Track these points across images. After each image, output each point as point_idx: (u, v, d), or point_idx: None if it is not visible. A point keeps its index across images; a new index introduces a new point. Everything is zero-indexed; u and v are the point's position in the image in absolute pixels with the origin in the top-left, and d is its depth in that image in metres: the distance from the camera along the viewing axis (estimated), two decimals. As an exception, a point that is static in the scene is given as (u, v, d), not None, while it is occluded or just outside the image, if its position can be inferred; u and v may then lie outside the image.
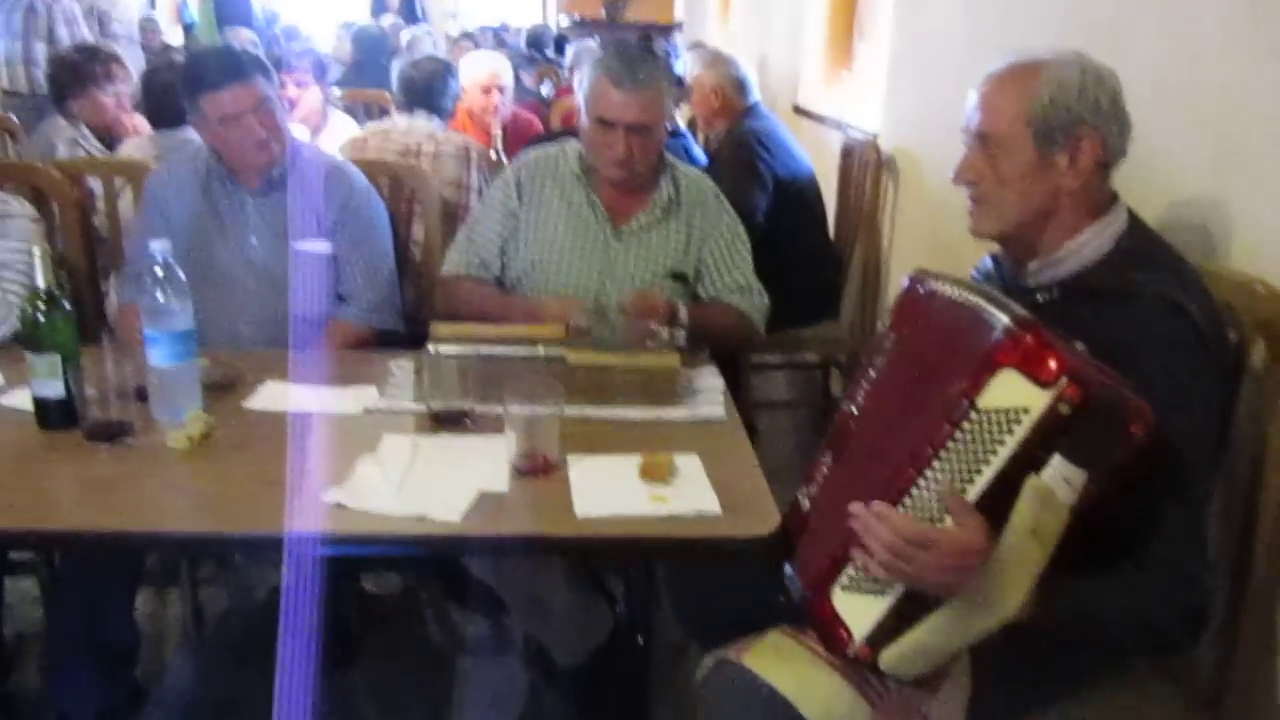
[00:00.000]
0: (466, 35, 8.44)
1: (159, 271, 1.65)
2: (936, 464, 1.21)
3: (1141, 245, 1.44)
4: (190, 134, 2.69)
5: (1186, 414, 1.28)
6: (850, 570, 1.31)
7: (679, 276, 2.26)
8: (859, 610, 1.30)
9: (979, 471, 1.18)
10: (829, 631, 1.33)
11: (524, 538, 1.41)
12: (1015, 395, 1.15)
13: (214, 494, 1.48)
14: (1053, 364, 1.13)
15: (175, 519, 1.42)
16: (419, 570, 2.62)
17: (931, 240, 3.04)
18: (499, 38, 9.24)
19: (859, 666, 1.33)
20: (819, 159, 3.73)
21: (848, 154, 3.66)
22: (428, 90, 3.19)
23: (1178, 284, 1.36)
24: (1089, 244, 1.43)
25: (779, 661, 1.39)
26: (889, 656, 1.27)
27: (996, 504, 1.18)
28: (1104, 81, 1.42)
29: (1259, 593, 1.46)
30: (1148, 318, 1.33)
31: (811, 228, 3.45)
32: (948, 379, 1.23)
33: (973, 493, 1.19)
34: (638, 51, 2.16)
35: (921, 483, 1.23)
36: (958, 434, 1.19)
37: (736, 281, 2.27)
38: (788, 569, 1.45)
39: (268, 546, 1.35)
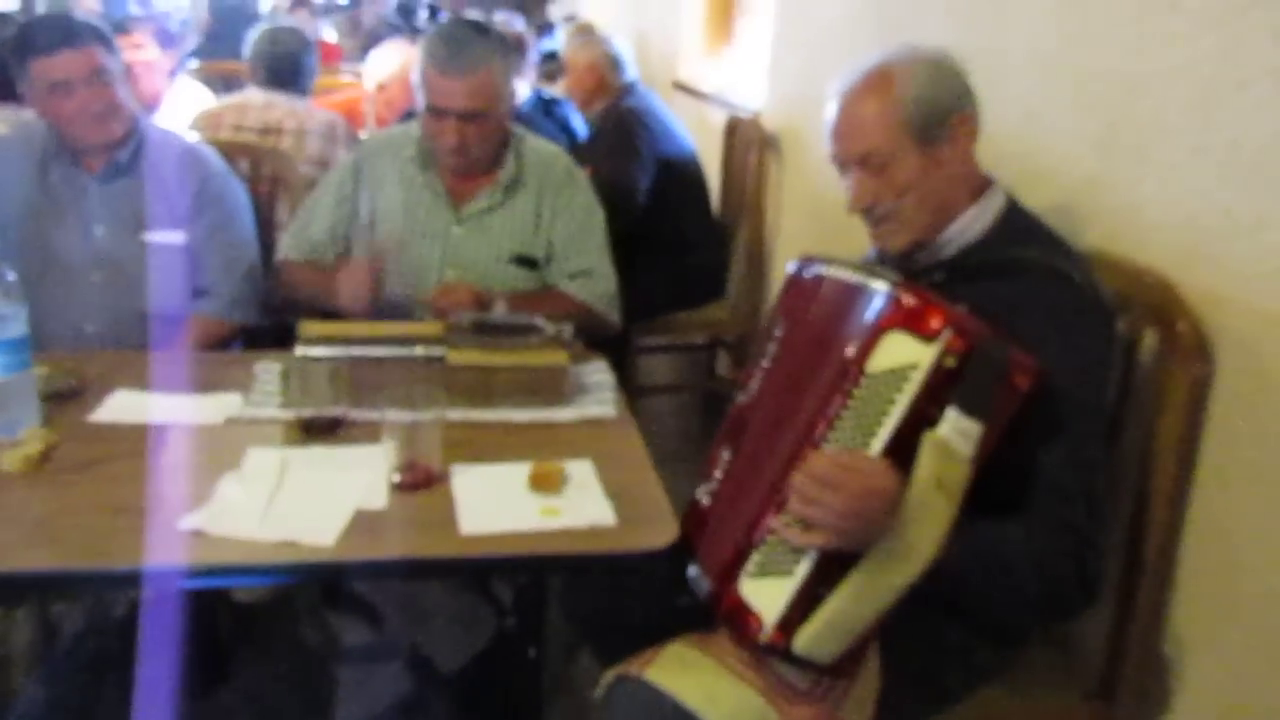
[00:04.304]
0: (300, 1, 7.27)
1: (-20, 273, 1.48)
2: (831, 434, 1.22)
3: (1021, 222, 1.47)
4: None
5: (1077, 377, 1.30)
6: (756, 556, 1.27)
7: (527, 261, 2.16)
8: (768, 594, 1.25)
9: (874, 434, 1.19)
10: (738, 622, 1.28)
11: (405, 561, 1.31)
12: (903, 353, 1.18)
13: (55, 523, 1.32)
14: (936, 319, 1.17)
15: (9, 554, 1.26)
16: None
17: (817, 219, 3.01)
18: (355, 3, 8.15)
19: (769, 665, 1.29)
20: (701, 137, 3.66)
21: (731, 132, 3.61)
22: (288, 68, 2.96)
23: (1059, 254, 1.39)
24: (971, 225, 1.45)
25: (683, 673, 1.33)
26: (803, 638, 1.22)
27: (896, 463, 1.17)
28: (947, 64, 1.44)
29: (1149, 587, 1.46)
30: (1034, 288, 1.35)
31: (694, 209, 3.39)
32: (837, 354, 1.25)
33: (872, 452, 1.19)
34: (465, 30, 2.02)
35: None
36: (850, 401, 1.21)
37: (579, 266, 2.17)
38: (691, 570, 1.40)
39: (119, 582, 1.21)
